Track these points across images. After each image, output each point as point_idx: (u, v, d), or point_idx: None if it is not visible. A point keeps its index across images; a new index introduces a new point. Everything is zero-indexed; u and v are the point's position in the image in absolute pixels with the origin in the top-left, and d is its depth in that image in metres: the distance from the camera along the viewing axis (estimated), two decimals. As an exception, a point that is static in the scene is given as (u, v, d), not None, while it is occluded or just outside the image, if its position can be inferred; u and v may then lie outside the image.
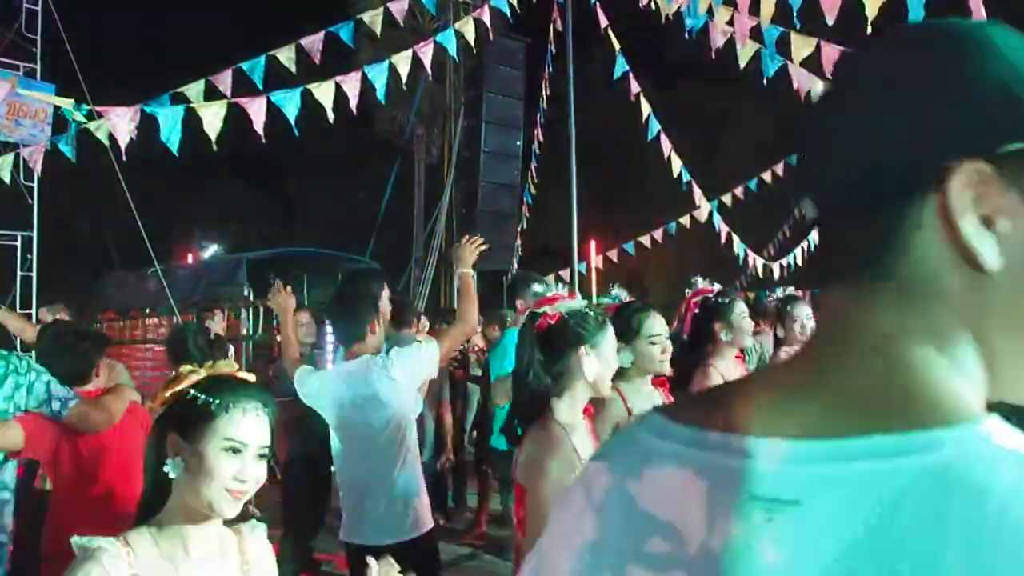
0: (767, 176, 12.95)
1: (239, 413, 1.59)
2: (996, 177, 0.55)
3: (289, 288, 3.90)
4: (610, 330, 2.40)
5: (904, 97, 0.58)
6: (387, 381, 3.25)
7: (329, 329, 6.19)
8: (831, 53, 6.57)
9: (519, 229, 12.98)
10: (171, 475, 1.58)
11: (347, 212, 21.75)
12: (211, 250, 24.31)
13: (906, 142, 0.57)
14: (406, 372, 3.28)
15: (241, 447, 1.58)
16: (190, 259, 18.33)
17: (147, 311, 12.24)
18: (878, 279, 0.58)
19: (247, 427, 1.60)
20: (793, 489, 0.54)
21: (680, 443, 0.62)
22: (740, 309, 3.75)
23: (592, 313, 2.40)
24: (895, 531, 0.49)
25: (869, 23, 4.05)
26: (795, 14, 4.88)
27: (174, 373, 1.69)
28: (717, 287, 3.92)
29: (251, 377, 1.73)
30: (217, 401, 1.59)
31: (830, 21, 4.33)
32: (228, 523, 1.69)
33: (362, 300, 3.46)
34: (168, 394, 1.64)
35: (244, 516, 1.73)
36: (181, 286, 11.12)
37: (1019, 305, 0.56)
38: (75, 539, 1.54)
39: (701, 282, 3.84)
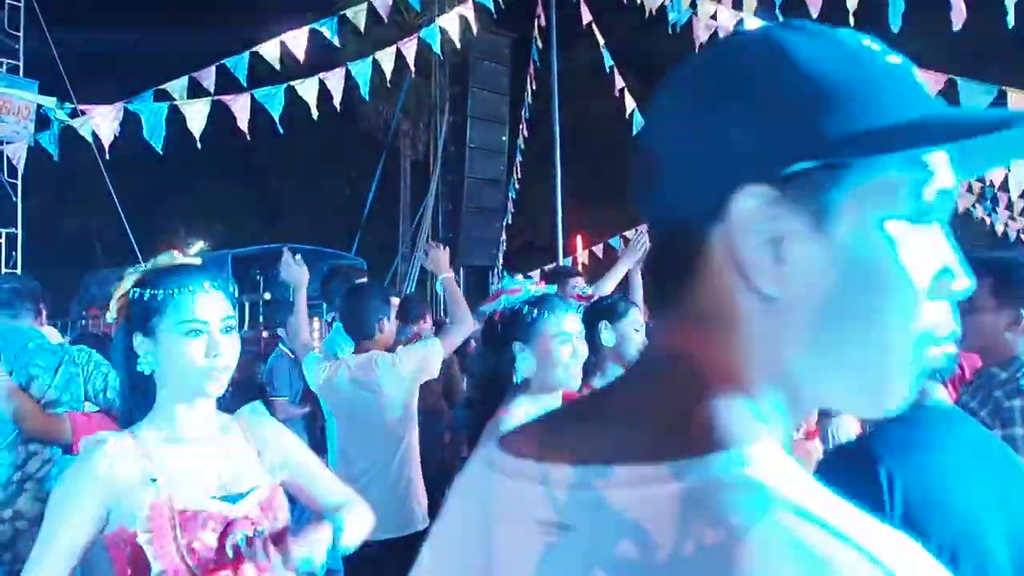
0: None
1: (187, 295, 1.59)
2: (780, 201, 0.53)
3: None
4: (553, 323, 2.26)
5: (695, 119, 0.56)
6: (393, 377, 3.26)
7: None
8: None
9: (504, 224, 12.99)
10: (146, 372, 1.61)
11: (332, 208, 21.69)
12: (196, 247, 24.19)
13: (695, 167, 0.55)
14: (412, 369, 3.30)
15: (201, 326, 1.59)
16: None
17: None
18: (677, 306, 0.58)
19: (200, 306, 1.59)
20: (567, 514, 0.55)
21: (495, 471, 0.63)
22: None
23: (526, 308, 2.27)
24: (640, 557, 0.50)
25: (851, 15, 4.10)
26: (777, 7, 4.92)
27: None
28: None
29: (194, 260, 1.72)
30: (162, 291, 1.59)
31: (814, 13, 4.37)
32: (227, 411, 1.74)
33: (372, 297, 3.48)
34: (118, 299, 1.65)
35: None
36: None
37: (812, 329, 0.54)
38: (82, 439, 1.61)
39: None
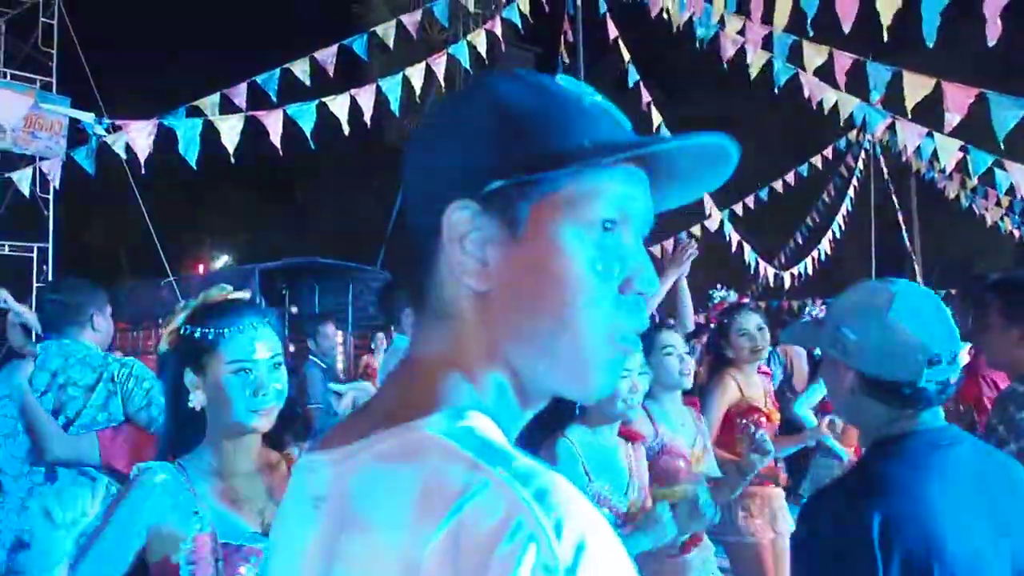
0: (778, 185, 12.96)
1: (237, 335, 1.61)
2: (482, 212, 0.64)
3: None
4: None
5: (424, 150, 0.69)
6: None
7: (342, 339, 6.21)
8: (844, 62, 6.58)
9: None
10: (197, 408, 1.63)
11: (357, 222, 21.82)
12: (222, 260, 24.43)
13: (422, 190, 0.68)
14: None
15: (251, 366, 1.61)
16: (201, 269, 18.41)
17: (159, 321, 12.30)
18: (418, 303, 0.70)
19: (250, 345, 1.62)
20: (325, 486, 0.65)
21: (301, 470, 0.73)
22: (738, 326, 3.69)
23: None
24: (366, 509, 0.59)
25: (884, 30, 4.06)
26: (808, 22, 4.88)
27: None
28: (732, 299, 3.90)
29: (244, 295, 1.74)
30: (213, 330, 1.61)
31: (846, 28, 4.33)
32: (276, 448, 1.76)
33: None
34: (170, 333, 1.67)
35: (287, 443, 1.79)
36: (194, 296, 11.16)
37: (515, 322, 0.65)
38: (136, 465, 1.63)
39: (719, 295, 3.83)
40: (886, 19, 3.98)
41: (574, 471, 2.22)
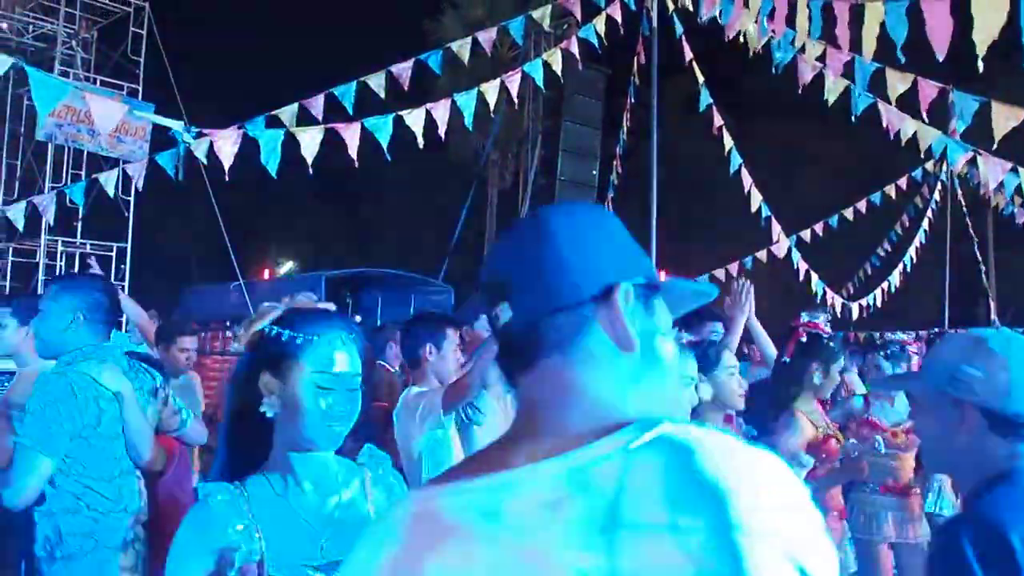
0: (848, 213, 12.69)
1: (325, 345, 1.54)
2: (635, 294, 0.88)
3: None
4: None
5: (580, 243, 0.89)
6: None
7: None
8: (928, 91, 6.42)
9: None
10: (268, 414, 1.55)
11: (420, 234, 22.06)
12: (286, 267, 24.93)
13: (583, 269, 0.88)
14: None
15: (331, 380, 1.53)
16: (266, 275, 18.81)
17: (227, 324, 12.59)
18: (576, 354, 0.87)
19: (334, 359, 1.55)
20: (502, 504, 0.79)
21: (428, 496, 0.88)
22: (842, 363, 3.66)
23: None
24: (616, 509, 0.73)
25: (979, 59, 3.94)
26: (898, 49, 4.77)
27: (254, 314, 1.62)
28: (825, 325, 3.81)
29: (331, 306, 1.66)
30: (301, 335, 1.54)
31: (940, 57, 4.22)
32: (349, 456, 1.67)
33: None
34: (251, 333, 1.59)
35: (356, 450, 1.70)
36: (261, 300, 11.40)
37: (645, 367, 0.88)
38: (200, 487, 1.55)
39: (807, 317, 3.75)
40: (981, 49, 3.87)
41: None
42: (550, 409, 0.86)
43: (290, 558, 1.50)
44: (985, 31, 3.90)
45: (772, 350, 4.04)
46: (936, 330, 12.24)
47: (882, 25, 4.70)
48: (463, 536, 0.79)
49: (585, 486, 0.75)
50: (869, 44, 4.77)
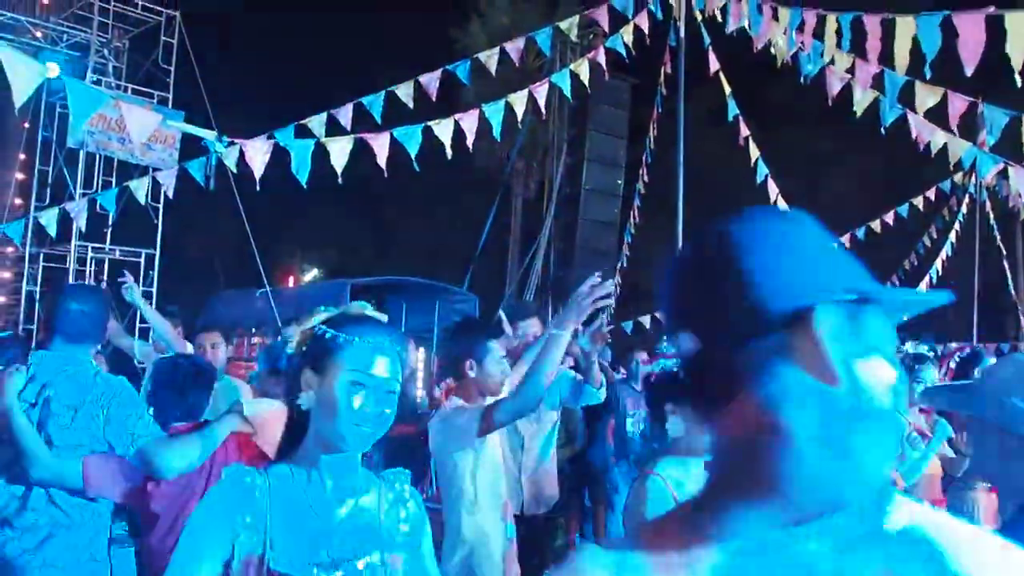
0: (876, 225, 12.57)
1: (366, 347, 1.59)
2: (836, 313, 0.76)
3: None
4: None
5: (766, 259, 0.78)
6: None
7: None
8: (958, 104, 6.37)
9: (619, 267, 12.91)
10: (304, 407, 1.60)
11: (445, 243, 22.12)
12: (311, 274, 25.08)
13: (771, 290, 0.76)
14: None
15: (367, 380, 1.57)
16: (291, 282, 18.93)
17: (252, 330, 12.68)
18: (773, 392, 0.75)
19: (373, 361, 1.59)
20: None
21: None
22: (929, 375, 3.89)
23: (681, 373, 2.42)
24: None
25: (1016, 74, 3.90)
26: (928, 63, 4.74)
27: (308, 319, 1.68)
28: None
29: (383, 317, 1.72)
30: (344, 335, 1.59)
31: (969, 71, 4.19)
32: (371, 470, 1.71)
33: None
34: (303, 333, 1.66)
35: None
36: (286, 308, 11.47)
37: (853, 401, 0.76)
38: (225, 469, 1.61)
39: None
40: (1017, 63, 3.84)
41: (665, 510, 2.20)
42: (757, 461, 0.77)
43: (296, 553, 1.52)
44: (1022, 46, 3.87)
45: None
46: (964, 344, 12.07)
47: (914, 39, 4.67)
48: None
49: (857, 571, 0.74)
50: (901, 57, 4.75)
